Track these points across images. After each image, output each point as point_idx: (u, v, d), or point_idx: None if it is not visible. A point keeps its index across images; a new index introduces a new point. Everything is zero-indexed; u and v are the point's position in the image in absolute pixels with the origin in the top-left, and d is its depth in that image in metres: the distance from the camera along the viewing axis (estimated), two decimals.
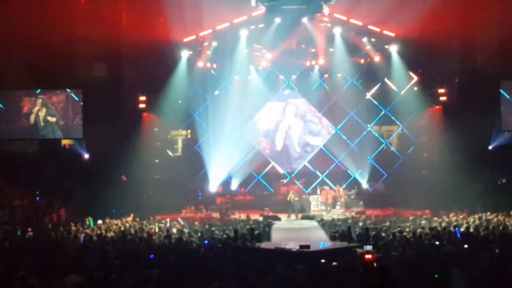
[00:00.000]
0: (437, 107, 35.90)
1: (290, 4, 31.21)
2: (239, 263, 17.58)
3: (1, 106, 32.31)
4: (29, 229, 25.00)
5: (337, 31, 34.56)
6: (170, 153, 39.08)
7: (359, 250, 18.62)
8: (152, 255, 18.66)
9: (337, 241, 23.04)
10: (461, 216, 26.95)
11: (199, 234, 24.05)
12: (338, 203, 34.33)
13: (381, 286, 13.50)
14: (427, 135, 36.80)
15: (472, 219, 25.79)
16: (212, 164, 36.95)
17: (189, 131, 39.46)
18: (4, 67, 31.57)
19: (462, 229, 22.69)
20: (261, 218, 30.80)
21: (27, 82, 33.07)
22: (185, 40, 34.83)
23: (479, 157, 32.42)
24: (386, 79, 36.93)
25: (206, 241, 21.90)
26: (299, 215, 32.44)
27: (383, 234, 22.76)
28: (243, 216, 31.07)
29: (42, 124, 32.40)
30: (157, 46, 33.23)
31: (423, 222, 26.29)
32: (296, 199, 32.93)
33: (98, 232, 24.49)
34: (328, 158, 37.85)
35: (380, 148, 38.29)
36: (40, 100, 32.41)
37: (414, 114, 36.96)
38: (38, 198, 30.91)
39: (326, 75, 38.00)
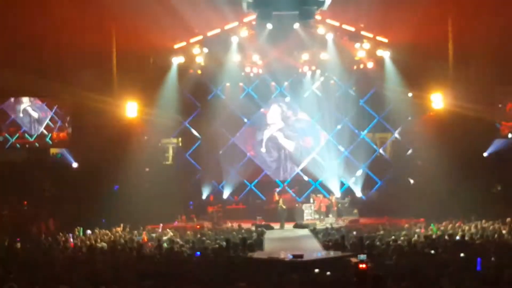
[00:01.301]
0: (431, 113, 35.67)
1: (281, 10, 30.93)
2: (232, 273, 17.37)
3: None
4: (18, 239, 24.60)
5: (330, 37, 34.31)
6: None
7: (353, 259, 18.35)
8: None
9: (330, 250, 22.86)
10: (456, 224, 26.71)
11: (191, 244, 23.77)
12: (332, 211, 34.02)
13: None
14: (421, 142, 36.53)
15: (467, 227, 25.57)
16: (204, 173, 36.66)
17: (180, 139, 39.22)
18: None
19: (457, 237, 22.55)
20: (253, 227, 30.49)
21: (16, 91, 32.84)
22: (175, 46, 34.56)
23: (474, 164, 32.25)
24: (379, 86, 36.64)
25: (197, 253, 21.63)
26: (288, 224, 32.17)
27: (377, 243, 22.56)
28: (235, 225, 30.78)
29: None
30: (147, 53, 32.98)
31: (417, 230, 26.10)
32: (284, 207, 32.65)
33: (88, 242, 24.21)
34: (321, 166, 37.57)
35: (374, 155, 38.01)
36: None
37: (407, 120, 36.75)
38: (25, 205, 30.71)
39: (318, 82, 37.77)
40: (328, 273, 16.72)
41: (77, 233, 26.71)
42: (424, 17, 30.19)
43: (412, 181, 36.06)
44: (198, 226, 31.30)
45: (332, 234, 26.77)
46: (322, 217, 33.63)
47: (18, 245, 23.60)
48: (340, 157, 37.52)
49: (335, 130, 37.67)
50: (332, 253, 22.29)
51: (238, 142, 37.80)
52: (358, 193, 36.80)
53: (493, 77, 32.16)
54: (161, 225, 30.39)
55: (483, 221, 26.20)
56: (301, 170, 37.93)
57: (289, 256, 20.73)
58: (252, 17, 32.97)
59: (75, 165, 33.66)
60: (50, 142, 32.43)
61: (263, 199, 36.94)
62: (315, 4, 29.73)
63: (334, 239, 24.07)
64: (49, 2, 30.10)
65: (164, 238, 25.21)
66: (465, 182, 31.23)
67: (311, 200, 35.07)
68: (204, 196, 36.48)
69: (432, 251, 19.96)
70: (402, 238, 23.32)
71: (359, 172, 37.19)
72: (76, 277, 16.71)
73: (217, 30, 34.00)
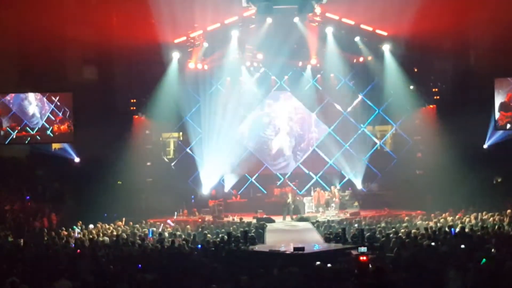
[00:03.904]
0: (431, 106, 35.74)
1: (281, 4, 30.92)
2: (233, 266, 17.41)
3: None
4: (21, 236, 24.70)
5: (329, 30, 34.24)
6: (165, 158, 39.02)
7: (354, 252, 18.45)
8: (139, 265, 18.33)
9: (331, 243, 22.87)
10: (456, 216, 26.74)
11: (192, 237, 23.82)
12: (333, 204, 34.04)
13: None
14: (421, 134, 36.59)
15: (467, 219, 25.59)
16: (205, 167, 36.71)
17: (181, 133, 39.21)
18: None
19: (457, 229, 22.60)
20: (254, 221, 30.53)
21: (18, 86, 32.85)
22: (175, 41, 34.44)
23: (474, 156, 32.28)
24: (379, 79, 36.60)
25: (199, 245, 21.70)
26: (294, 217, 32.30)
27: (378, 235, 22.61)
28: (236, 219, 30.84)
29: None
30: (147, 48, 32.94)
31: (418, 222, 26.14)
32: (291, 201, 32.77)
33: (90, 236, 24.27)
34: (321, 159, 37.62)
35: (374, 148, 38.09)
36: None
37: (407, 113, 36.76)
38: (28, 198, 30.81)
39: (318, 75, 37.78)
40: (329, 265, 16.74)
41: (79, 227, 26.78)
42: (424, 10, 30.14)
43: (418, 172, 36.10)
44: (199, 220, 31.39)
45: (333, 226, 26.82)
46: (323, 210, 33.65)
47: (21, 240, 23.69)
48: (341, 150, 37.54)
49: (335, 123, 37.70)
50: (333, 246, 22.33)
51: (238, 136, 37.81)
52: (359, 186, 36.86)
53: (492, 69, 32.13)
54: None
55: (484, 212, 26.20)
56: (302, 163, 37.99)
57: (290, 249, 20.79)
58: (252, 11, 32.87)
59: (77, 160, 33.67)
60: (51, 135, 32.34)
61: (264, 192, 37.05)
62: None
63: (335, 232, 24.08)
64: None
65: (166, 234, 25.23)
66: (465, 174, 31.29)
67: (312, 193, 35.12)
68: (205, 190, 36.49)
69: (433, 243, 19.98)
70: (402, 230, 23.40)
71: (358, 168, 37.30)
72: (79, 271, 16.81)
73: (217, 25, 33.80)
